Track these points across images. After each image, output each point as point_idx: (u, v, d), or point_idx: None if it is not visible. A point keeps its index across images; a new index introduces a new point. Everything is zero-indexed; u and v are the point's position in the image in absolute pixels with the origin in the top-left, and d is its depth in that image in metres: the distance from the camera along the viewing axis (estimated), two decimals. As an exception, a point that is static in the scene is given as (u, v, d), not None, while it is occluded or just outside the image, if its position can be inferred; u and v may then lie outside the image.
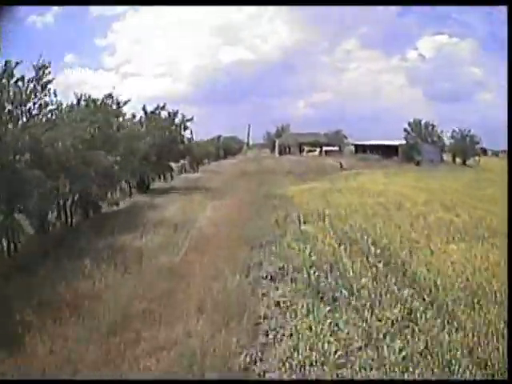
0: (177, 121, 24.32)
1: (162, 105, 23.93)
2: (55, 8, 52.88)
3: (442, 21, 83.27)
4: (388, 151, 48.12)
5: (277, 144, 73.01)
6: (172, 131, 23.99)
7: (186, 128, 24.76)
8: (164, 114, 24.13)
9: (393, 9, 75.88)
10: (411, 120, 61.20)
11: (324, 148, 60.80)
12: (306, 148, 70.07)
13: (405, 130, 61.45)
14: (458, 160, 56.67)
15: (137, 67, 70.35)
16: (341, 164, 36.16)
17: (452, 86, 67.83)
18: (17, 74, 11.74)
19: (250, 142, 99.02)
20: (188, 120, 24.73)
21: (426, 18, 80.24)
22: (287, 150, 70.48)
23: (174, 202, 18.77)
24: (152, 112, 23.58)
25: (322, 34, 73.20)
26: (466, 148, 54.34)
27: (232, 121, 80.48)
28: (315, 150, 68.84)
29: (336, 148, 60.53)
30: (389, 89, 62.97)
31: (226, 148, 71.35)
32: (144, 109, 23.67)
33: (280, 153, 69.53)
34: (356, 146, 57.68)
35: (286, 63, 69.77)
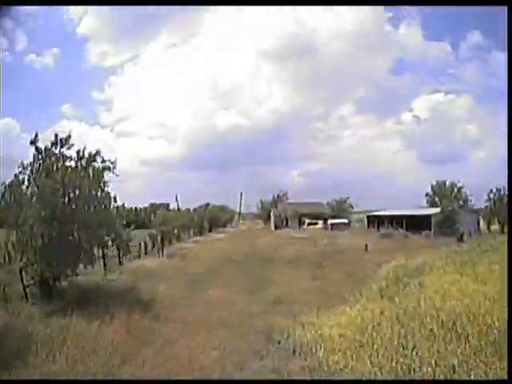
0: (92, 170, 12.83)
1: (65, 136, 12.44)
2: (54, 50, 59.20)
3: (438, 77, 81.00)
4: (414, 223, 37.84)
5: (272, 215, 62.73)
6: (85, 187, 12.40)
7: (104, 183, 13.50)
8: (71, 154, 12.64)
9: (389, 67, 74.04)
10: (434, 182, 51.90)
11: (330, 221, 50.46)
12: (307, 220, 59.76)
13: (426, 194, 51.91)
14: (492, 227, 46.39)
15: (133, 126, 72.65)
16: (366, 246, 25.60)
17: (447, 147, 64.25)
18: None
19: (243, 211, 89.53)
20: (106, 168, 13.38)
21: (422, 74, 77.71)
22: (284, 222, 60.16)
23: (46, 364, 7.71)
24: (47, 149, 12.26)
25: (318, 99, 69.94)
26: (504, 211, 44.14)
27: (224, 188, 73.37)
28: (317, 223, 58.57)
29: (345, 220, 50.33)
30: (384, 155, 65.51)
31: (213, 218, 60.62)
32: (34, 142, 12.37)
33: (276, 225, 59.05)
34: (369, 217, 47.68)
35: (280, 130, 66.42)
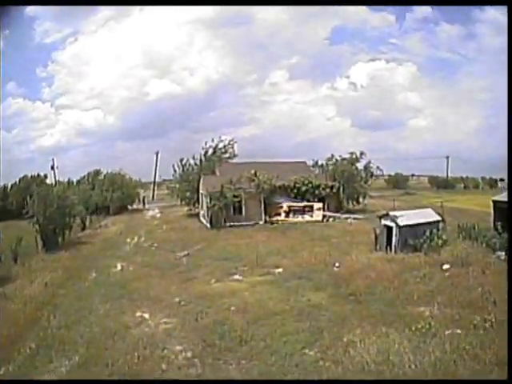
0: None
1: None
2: (6, 31, 36.37)
3: (380, 46, 74.86)
4: None
5: (202, 188, 25.84)
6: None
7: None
8: None
9: (327, 36, 64.60)
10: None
11: (401, 215, 15.73)
12: (286, 203, 24.83)
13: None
14: None
15: (71, 99, 68.31)
16: None
17: (385, 113, 60.55)
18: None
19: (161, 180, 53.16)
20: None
21: (362, 44, 70.33)
22: (232, 207, 23.91)
23: None
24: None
25: (251, 66, 65.97)
26: None
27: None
28: (310, 208, 24.12)
29: (434, 216, 16.42)
30: (317, 121, 63.59)
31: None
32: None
33: (214, 217, 23.00)
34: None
35: (213, 97, 63.97)
